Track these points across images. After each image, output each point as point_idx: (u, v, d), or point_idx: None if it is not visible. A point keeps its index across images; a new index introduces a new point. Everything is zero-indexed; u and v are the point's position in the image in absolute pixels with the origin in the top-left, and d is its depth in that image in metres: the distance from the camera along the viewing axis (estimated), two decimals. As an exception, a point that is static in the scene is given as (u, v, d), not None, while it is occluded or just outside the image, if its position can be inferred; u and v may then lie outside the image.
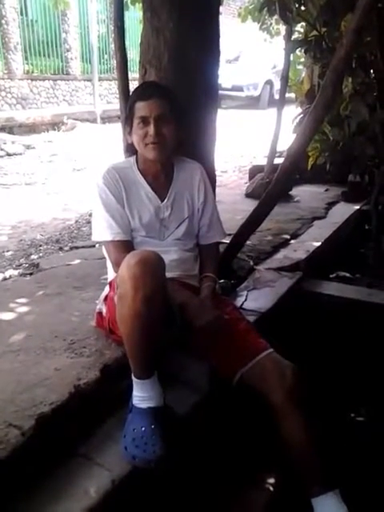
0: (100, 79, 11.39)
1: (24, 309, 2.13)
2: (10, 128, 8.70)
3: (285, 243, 3.13)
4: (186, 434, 1.66)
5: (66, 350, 1.76)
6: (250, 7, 5.13)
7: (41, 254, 3.06)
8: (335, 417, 2.20)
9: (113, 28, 2.29)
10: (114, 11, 2.26)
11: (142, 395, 1.52)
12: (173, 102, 1.73)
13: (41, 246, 3.28)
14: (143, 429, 1.47)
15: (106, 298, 1.81)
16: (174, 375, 1.76)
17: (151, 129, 1.68)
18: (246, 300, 2.31)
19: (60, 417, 1.47)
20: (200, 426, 1.77)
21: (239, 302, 2.29)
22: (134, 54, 8.94)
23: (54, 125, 9.48)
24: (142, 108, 1.70)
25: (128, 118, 1.76)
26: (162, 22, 2.02)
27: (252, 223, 2.49)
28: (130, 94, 1.85)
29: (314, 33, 2.83)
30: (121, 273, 1.47)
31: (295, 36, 4.09)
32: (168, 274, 1.63)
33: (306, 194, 4.36)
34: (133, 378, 1.53)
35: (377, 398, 2.33)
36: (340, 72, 1.96)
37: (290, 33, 3.89)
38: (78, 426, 1.53)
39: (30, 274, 2.63)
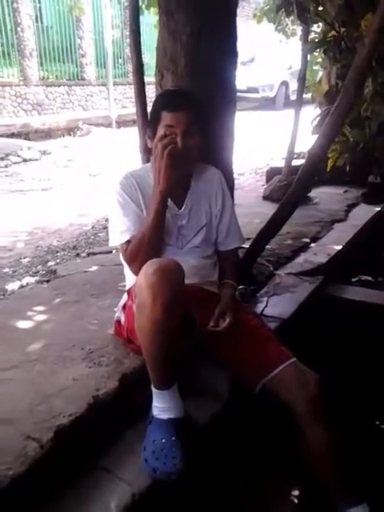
0: (115, 84, 11.45)
1: (41, 317, 2.12)
2: (26, 134, 8.78)
3: (305, 247, 3.07)
4: (206, 444, 1.62)
5: (84, 360, 1.74)
6: (266, 8, 5.09)
7: (58, 261, 3.05)
8: (361, 425, 2.15)
9: (128, 33, 2.27)
10: (130, 15, 2.24)
11: (161, 406, 1.49)
12: (199, 111, 1.69)
13: (57, 252, 3.28)
14: (163, 441, 1.44)
15: (124, 306, 1.78)
16: (193, 384, 1.73)
17: (181, 142, 1.63)
18: (266, 306, 2.26)
19: (79, 428, 1.44)
20: (221, 436, 1.73)
21: (259, 308, 2.25)
22: (148, 59, 8.95)
23: (70, 130, 9.54)
24: (169, 118, 1.64)
25: (152, 124, 1.71)
26: (179, 26, 1.99)
27: (272, 227, 2.45)
28: (156, 99, 1.78)
29: (333, 33, 2.78)
30: (139, 281, 1.44)
31: (312, 36, 4.04)
32: (187, 281, 1.59)
33: (325, 196, 4.29)
34: (152, 388, 1.50)
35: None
36: (362, 72, 1.91)
37: (306, 33, 3.84)
38: (98, 437, 1.51)
39: (47, 281, 2.62)
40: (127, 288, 1.83)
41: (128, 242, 1.70)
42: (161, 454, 1.42)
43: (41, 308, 2.20)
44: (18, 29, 10.07)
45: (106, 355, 1.76)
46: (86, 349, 1.80)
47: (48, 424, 1.40)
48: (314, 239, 3.21)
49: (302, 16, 2.72)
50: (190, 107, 1.67)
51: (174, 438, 1.44)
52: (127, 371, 1.66)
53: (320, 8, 2.82)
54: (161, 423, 1.47)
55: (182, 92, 1.84)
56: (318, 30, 3.84)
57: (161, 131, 1.66)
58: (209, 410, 1.70)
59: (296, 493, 1.81)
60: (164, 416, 1.48)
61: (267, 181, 4.61)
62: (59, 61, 11.26)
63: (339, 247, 3.06)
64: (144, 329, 1.44)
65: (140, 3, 4.40)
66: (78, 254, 3.16)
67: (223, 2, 2.05)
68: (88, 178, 6.09)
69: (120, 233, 1.72)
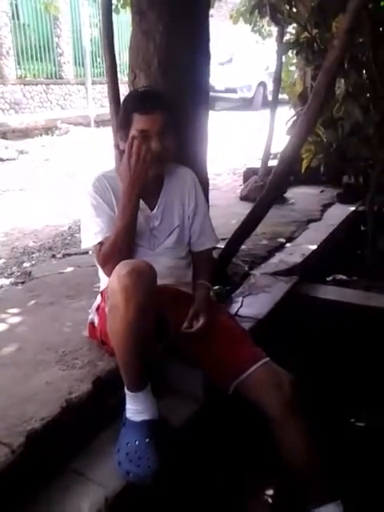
0: (93, 83, 11.35)
1: (15, 319, 2.10)
2: (3, 133, 8.66)
3: (280, 247, 3.09)
4: (181, 446, 1.63)
5: (58, 363, 1.73)
6: (242, 9, 5.11)
7: (33, 262, 3.02)
8: (335, 423, 2.17)
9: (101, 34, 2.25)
10: (102, 17, 2.23)
11: (135, 408, 1.49)
12: (171, 111, 1.68)
13: (33, 253, 3.25)
14: (137, 443, 1.44)
15: (98, 308, 1.78)
16: (168, 385, 1.73)
17: (155, 144, 1.62)
18: (241, 306, 2.27)
19: (51, 432, 1.43)
20: (196, 437, 1.73)
21: (234, 308, 2.26)
22: (125, 58, 8.90)
23: (48, 129, 9.43)
24: (142, 121, 1.62)
25: (123, 127, 1.68)
26: (151, 25, 1.98)
27: (246, 228, 2.46)
28: (125, 99, 1.77)
29: (306, 34, 2.81)
30: (111, 283, 1.44)
31: (287, 37, 4.07)
32: (161, 282, 1.60)
33: (301, 196, 4.33)
34: (125, 390, 1.50)
35: (376, 402, 2.30)
36: (332, 74, 1.93)
37: (281, 34, 3.87)
38: (70, 440, 1.50)
39: (22, 282, 2.60)
40: (101, 290, 1.82)
41: (101, 243, 1.69)
42: (134, 457, 1.42)
43: (15, 310, 2.18)
44: (-6, 26, 9.94)
45: (79, 358, 1.75)
46: (59, 351, 1.79)
47: (20, 429, 1.39)
48: (290, 239, 3.24)
49: (275, 17, 2.74)
50: (163, 108, 1.66)
51: (147, 440, 1.44)
52: (101, 374, 1.65)
53: (293, 9, 2.84)
54: (134, 425, 1.47)
55: (153, 92, 1.79)
56: (293, 30, 3.86)
57: (134, 133, 1.64)
58: (184, 411, 1.71)
59: (273, 491, 1.83)
60: (137, 418, 1.47)
61: (244, 181, 4.63)
62: (37, 59, 11.12)
63: (314, 247, 3.09)
64: (116, 331, 1.44)
65: (115, 2, 4.40)
66: (53, 255, 3.14)
67: (195, 2, 2.05)
68: (65, 178, 6.03)
69: (93, 234, 1.71)
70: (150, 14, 1.98)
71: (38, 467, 1.39)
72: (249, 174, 4.66)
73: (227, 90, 12.74)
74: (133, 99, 1.74)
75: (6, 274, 2.81)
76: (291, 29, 4.02)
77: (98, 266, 1.79)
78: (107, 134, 1.96)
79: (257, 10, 2.82)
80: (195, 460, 1.70)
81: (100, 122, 10.04)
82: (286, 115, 3.48)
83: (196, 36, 2.06)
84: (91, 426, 1.58)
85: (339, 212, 3.95)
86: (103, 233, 1.69)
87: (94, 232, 1.71)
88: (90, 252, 2.82)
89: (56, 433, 1.44)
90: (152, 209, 1.78)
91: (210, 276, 1.88)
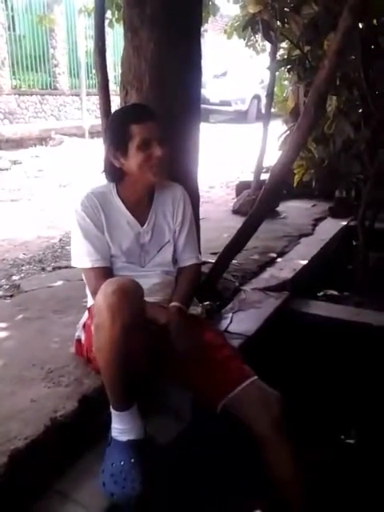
0: (88, 94, 11.39)
1: (2, 334, 2.08)
2: (-4, 143, 8.65)
3: (271, 262, 3.09)
4: (168, 465, 1.60)
5: (44, 379, 1.71)
6: (236, 24, 5.15)
7: (22, 275, 2.99)
8: (325, 440, 2.16)
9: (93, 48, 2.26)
10: (95, 32, 2.24)
11: (121, 427, 1.47)
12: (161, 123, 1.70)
13: (23, 265, 3.22)
14: (122, 463, 1.42)
15: (84, 325, 1.76)
16: (154, 403, 1.71)
17: (158, 150, 1.63)
18: (231, 322, 2.26)
19: (35, 452, 1.41)
20: (183, 456, 1.71)
21: (224, 324, 2.25)
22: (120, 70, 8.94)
23: (42, 140, 9.43)
24: (141, 131, 1.62)
25: (121, 142, 1.65)
26: (143, 42, 1.99)
27: (237, 243, 2.46)
28: (117, 116, 1.76)
29: (297, 52, 2.83)
30: (97, 302, 1.42)
31: (280, 53, 4.10)
32: (150, 299, 1.59)
33: (293, 210, 4.34)
34: (111, 409, 1.48)
35: (367, 419, 2.29)
36: (323, 93, 1.94)
37: (274, 51, 3.90)
38: (54, 460, 1.48)
39: (11, 296, 2.58)
40: (88, 306, 1.81)
41: (90, 269, 1.68)
42: (119, 477, 1.40)
43: (2, 324, 2.17)
44: (-10, 37, 9.98)
45: (66, 375, 1.73)
46: (45, 368, 1.78)
47: (2, 448, 1.37)
48: (281, 254, 3.24)
49: (268, 34, 2.76)
50: (156, 118, 1.68)
51: (133, 461, 1.42)
52: (87, 392, 1.64)
53: (285, 26, 2.86)
54: (120, 445, 1.45)
55: (146, 106, 1.82)
56: (286, 46, 3.89)
57: (133, 146, 1.62)
58: (171, 430, 1.69)
59: (260, 510, 1.81)
60: (123, 438, 1.46)
61: (237, 195, 4.64)
62: (32, 70, 11.16)
63: (305, 262, 3.09)
64: (102, 349, 1.42)
65: (110, 16, 4.43)
66: (43, 268, 3.11)
67: (187, 19, 2.06)
68: (58, 189, 6.02)
69: (82, 255, 1.70)
70: (141, 31, 1.98)
71: (21, 488, 1.36)
72: (241, 187, 4.67)
73: (222, 103, 12.83)
74: (127, 113, 1.75)
75: (-6, 287, 2.78)
76: (284, 45, 4.05)
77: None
78: (101, 145, 1.96)
79: (250, 27, 2.84)
80: (182, 479, 1.68)
81: (94, 133, 10.06)
82: (279, 129, 3.50)
83: (188, 53, 2.07)
84: (76, 445, 1.55)
85: (331, 226, 3.97)
86: (92, 258, 1.68)
87: (81, 253, 1.70)
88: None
89: (40, 452, 1.42)
90: (142, 224, 1.77)
91: (184, 297, 1.77)
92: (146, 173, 1.66)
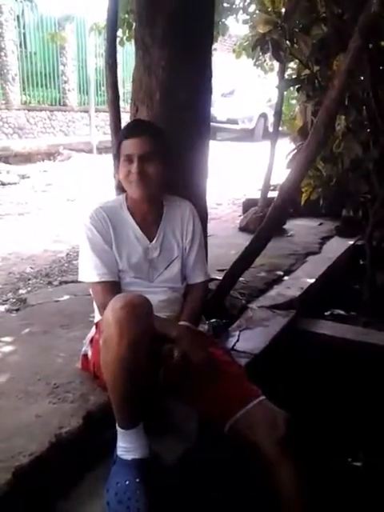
0: (97, 110, 11.53)
1: (8, 348, 2.07)
2: (5, 157, 8.73)
3: (278, 280, 3.08)
4: (174, 485, 1.58)
5: (49, 395, 1.69)
6: (245, 44, 5.21)
7: (29, 289, 2.99)
8: (332, 462, 2.12)
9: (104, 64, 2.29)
10: (106, 49, 2.26)
11: (126, 446, 1.45)
12: (160, 139, 1.70)
13: (30, 279, 3.22)
14: (127, 483, 1.39)
15: (91, 340, 1.75)
16: (160, 423, 1.69)
17: (134, 167, 1.65)
18: (237, 341, 2.24)
19: (39, 469, 1.39)
20: (189, 477, 1.69)
21: (231, 342, 2.23)
22: (129, 86, 9.05)
23: (50, 155, 9.52)
24: (127, 146, 1.67)
25: (116, 157, 1.74)
26: (154, 60, 2.01)
27: (245, 260, 2.45)
28: (120, 131, 1.83)
29: (307, 71, 2.85)
30: (106, 316, 1.42)
31: (288, 72, 4.14)
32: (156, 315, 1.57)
33: (300, 229, 4.34)
34: (117, 427, 1.46)
35: (374, 441, 2.25)
36: (332, 112, 1.95)
37: (283, 70, 3.94)
38: (59, 478, 1.45)
39: (17, 310, 2.57)
40: (95, 320, 1.80)
41: (98, 283, 1.68)
42: (124, 497, 1.38)
43: (8, 339, 2.15)
44: (2, 53, 10.14)
45: (71, 391, 1.72)
46: (51, 383, 1.76)
47: (6, 464, 1.35)
48: (288, 272, 3.23)
49: (277, 54, 2.79)
50: (148, 134, 1.68)
51: (138, 480, 1.39)
52: (92, 408, 1.62)
53: (295, 46, 2.89)
54: (125, 464, 1.43)
55: (141, 121, 1.88)
56: (295, 66, 3.93)
57: (121, 160, 1.68)
58: (177, 450, 1.67)
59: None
60: (129, 457, 1.43)
61: (244, 212, 4.64)
62: (42, 86, 11.32)
63: (312, 280, 3.08)
64: (109, 365, 1.41)
65: (121, 35, 4.50)
66: (50, 282, 3.11)
67: (199, 38, 2.08)
68: (66, 204, 6.05)
69: (89, 269, 1.70)
70: (153, 49, 2.01)
71: (24, 506, 1.34)
72: (248, 204, 4.67)
73: (229, 121, 12.92)
74: (123, 129, 1.80)
75: (0, 301, 2.78)
76: (293, 64, 4.09)
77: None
78: (109, 161, 1.98)
79: (259, 46, 2.87)
80: (187, 499, 1.65)
81: (102, 149, 10.15)
82: (286, 147, 3.51)
83: (199, 72, 2.09)
84: (81, 462, 1.53)
85: (338, 245, 3.96)
86: (100, 272, 1.68)
87: (89, 267, 1.70)
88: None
89: (44, 469, 1.40)
90: (151, 240, 1.78)
91: (193, 315, 1.77)
92: (128, 188, 1.71)
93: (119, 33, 4.40)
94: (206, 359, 1.58)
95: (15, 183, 7.27)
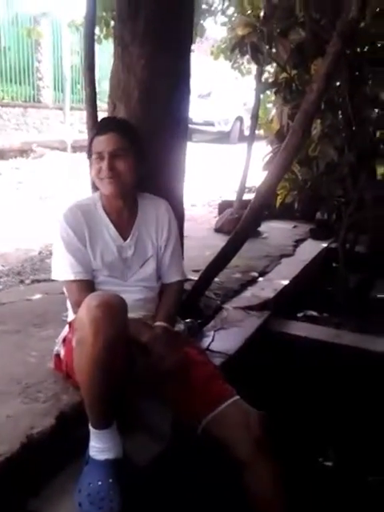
0: (72, 109, 11.38)
1: (-22, 348, 2.02)
2: (-24, 154, 8.56)
3: (253, 281, 3.10)
4: (147, 486, 1.57)
5: (20, 395, 1.66)
6: (223, 46, 5.23)
7: (0, 287, 2.94)
8: (304, 462, 2.14)
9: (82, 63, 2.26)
10: (85, 47, 2.23)
11: (99, 446, 1.43)
12: (132, 136, 1.70)
13: (1, 277, 3.16)
14: (100, 483, 1.38)
15: (64, 340, 1.72)
16: (134, 423, 1.68)
17: (105, 164, 1.64)
18: (212, 341, 2.25)
19: (9, 470, 1.36)
20: (163, 477, 1.67)
21: (205, 342, 2.23)
22: (105, 86, 8.98)
23: (23, 152, 9.35)
24: (98, 143, 1.67)
25: (89, 154, 1.72)
26: (133, 59, 2.00)
27: (220, 261, 2.46)
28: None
29: (284, 75, 2.88)
30: (80, 315, 1.40)
31: (265, 76, 4.17)
32: (131, 315, 1.56)
33: (275, 231, 4.38)
34: (90, 427, 1.44)
35: (344, 440, 2.28)
36: (310, 115, 1.97)
37: (260, 73, 3.97)
38: (29, 478, 1.43)
39: (-12, 308, 2.51)
40: (69, 320, 1.77)
41: (72, 281, 1.66)
42: (96, 498, 1.36)
43: (-22, 338, 2.10)
44: (-25, 48, 9.94)
45: (43, 390, 1.69)
46: (22, 383, 1.73)
47: (-24, 465, 1.32)
48: (262, 273, 3.25)
49: (256, 57, 2.81)
50: (118, 130, 1.67)
51: (111, 481, 1.38)
52: (65, 408, 1.60)
53: (273, 50, 2.91)
54: (98, 464, 1.42)
55: (113, 118, 1.89)
56: (272, 70, 3.97)
57: (93, 157, 1.68)
58: (150, 450, 1.65)
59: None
60: (101, 457, 1.42)
61: (219, 213, 4.66)
62: (16, 82, 11.13)
63: (286, 282, 3.11)
64: (83, 366, 1.39)
65: (98, 33, 4.46)
66: (22, 281, 3.06)
67: (178, 37, 2.08)
68: (38, 202, 5.96)
69: (63, 268, 1.68)
70: (132, 47, 1.99)
71: (-6, 506, 1.31)
72: (224, 206, 4.69)
73: (205, 123, 12.93)
74: (95, 127, 1.83)
75: (-29, 299, 2.71)
76: (270, 68, 4.13)
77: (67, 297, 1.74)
78: (83, 160, 1.96)
79: (237, 49, 2.89)
80: (160, 501, 1.64)
81: (77, 148, 10.02)
82: (262, 150, 3.54)
83: (178, 71, 2.08)
84: (52, 463, 1.50)
85: (311, 248, 4.00)
86: (75, 270, 1.66)
87: (63, 265, 1.68)
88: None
89: (15, 470, 1.37)
90: (125, 238, 1.76)
91: (169, 315, 1.77)
92: (100, 185, 1.70)
93: (96, 31, 4.35)
94: (177, 364, 1.57)
95: (-14, 180, 7.13)
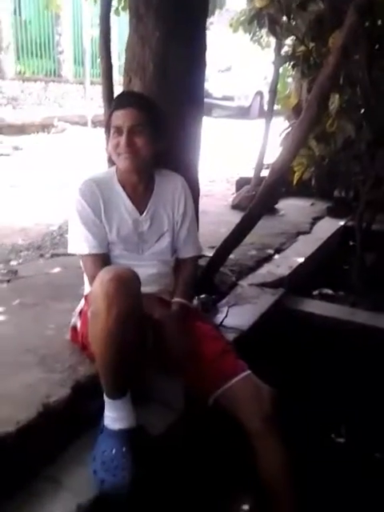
0: (92, 83, 11.30)
1: (-2, 319, 2.08)
2: (-1, 128, 8.61)
3: (268, 258, 3.09)
4: (159, 455, 1.61)
5: (38, 365, 1.71)
6: (241, 19, 5.11)
7: (20, 261, 2.99)
8: (316, 439, 2.17)
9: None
10: (101, 18, 2.22)
11: (113, 415, 1.47)
12: (151, 112, 1.69)
13: (21, 251, 3.21)
14: (114, 451, 1.42)
15: (80, 312, 1.77)
16: (148, 394, 1.72)
17: (123, 139, 1.64)
18: (226, 317, 2.26)
19: (26, 436, 1.41)
20: (175, 447, 1.72)
21: (219, 318, 2.25)
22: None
23: (44, 127, 9.38)
24: (117, 117, 1.66)
25: (107, 128, 1.72)
26: (148, 31, 1.98)
27: (235, 237, 2.46)
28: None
29: (302, 48, 2.82)
30: (94, 289, 1.43)
31: (285, 49, 4.08)
32: (146, 289, 1.59)
33: (292, 208, 4.35)
34: (105, 396, 1.48)
35: (356, 417, 2.30)
36: (326, 89, 1.94)
37: (279, 46, 3.89)
38: (46, 446, 1.48)
39: (8, 281, 2.57)
40: (85, 293, 1.81)
41: (88, 255, 1.69)
42: (110, 466, 1.40)
43: (-2, 309, 2.16)
44: (-5, 22, 9.91)
45: (60, 361, 1.74)
46: (40, 354, 1.78)
47: (-6, 431, 1.37)
48: (278, 251, 3.24)
49: (273, 29, 2.76)
50: (138, 106, 1.67)
51: (124, 449, 1.42)
52: (81, 379, 1.64)
53: (292, 22, 2.85)
54: (112, 433, 1.46)
55: (132, 92, 1.89)
56: (291, 43, 3.88)
57: (111, 132, 1.67)
58: (163, 420, 1.70)
59: (246, 506, 1.82)
60: (115, 426, 1.46)
61: (237, 190, 4.63)
62: (36, 56, 11.10)
63: (302, 260, 3.10)
64: (97, 338, 1.43)
65: (116, 4, 4.39)
66: (41, 255, 3.11)
67: (193, 9, 2.05)
68: (59, 176, 6.00)
69: (79, 242, 1.71)
70: (146, 18, 1.97)
71: (10, 472, 1.37)
72: (241, 182, 4.66)
73: (224, 98, 12.77)
74: (114, 100, 1.79)
75: (-9, 272, 2.78)
76: (289, 41, 4.04)
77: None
78: (103, 135, 1.97)
79: (255, 21, 2.83)
80: (172, 470, 1.69)
81: (97, 122, 10.00)
82: (282, 126, 3.49)
83: (193, 44, 2.06)
84: (68, 431, 1.56)
85: (329, 226, 3.97)
86: (90, 244, 1.69)
87: (79, 239, 1.71)
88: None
89: (31, 437, 1.42)
90: (141, 213, 1.78)
91: (187, 291, 1.81)
92: (116, 160, 1.70)
93: (114, 1, 4.29)
94: (187, 345, 1.61)
95: (8, 155, 7.18)
